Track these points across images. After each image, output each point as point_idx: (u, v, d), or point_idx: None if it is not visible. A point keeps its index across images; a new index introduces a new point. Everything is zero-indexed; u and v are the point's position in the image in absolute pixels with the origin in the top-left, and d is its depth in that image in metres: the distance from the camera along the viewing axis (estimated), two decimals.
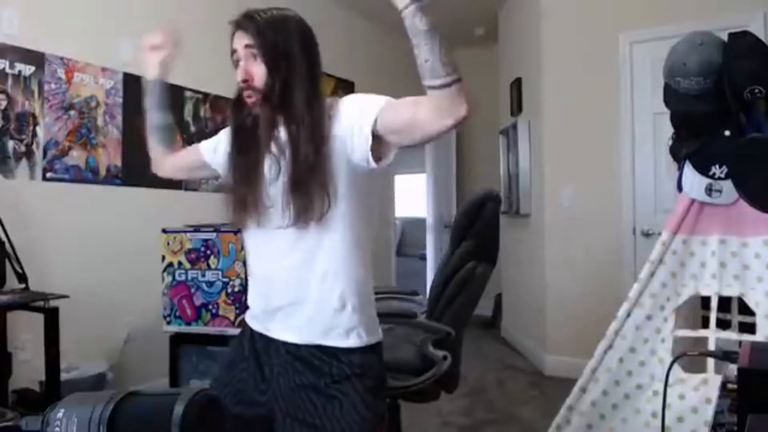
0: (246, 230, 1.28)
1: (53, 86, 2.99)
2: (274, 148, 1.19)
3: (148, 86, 1.57)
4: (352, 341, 1.19)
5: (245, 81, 1.19)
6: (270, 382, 1.24)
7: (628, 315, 2.23)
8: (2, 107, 2.78)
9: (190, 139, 3.74)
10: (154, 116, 1.55)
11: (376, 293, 2.27)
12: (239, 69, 1.20)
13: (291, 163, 1.16)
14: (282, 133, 1.19)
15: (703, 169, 2.15)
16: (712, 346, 2.07)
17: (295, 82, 1.18)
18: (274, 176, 1.20)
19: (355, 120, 1.13)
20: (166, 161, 1.55)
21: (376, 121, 1.09)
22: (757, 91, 1.96)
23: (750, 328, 2.08)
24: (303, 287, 1.21)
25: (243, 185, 1.24)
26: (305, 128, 1.15)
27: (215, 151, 1.43)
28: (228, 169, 1.29)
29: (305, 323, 1.21)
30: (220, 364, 1.44)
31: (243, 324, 1.39)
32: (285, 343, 1.23)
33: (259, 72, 1.18)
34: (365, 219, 1.23)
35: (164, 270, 2.69)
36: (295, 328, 1.22)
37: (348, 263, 1.19)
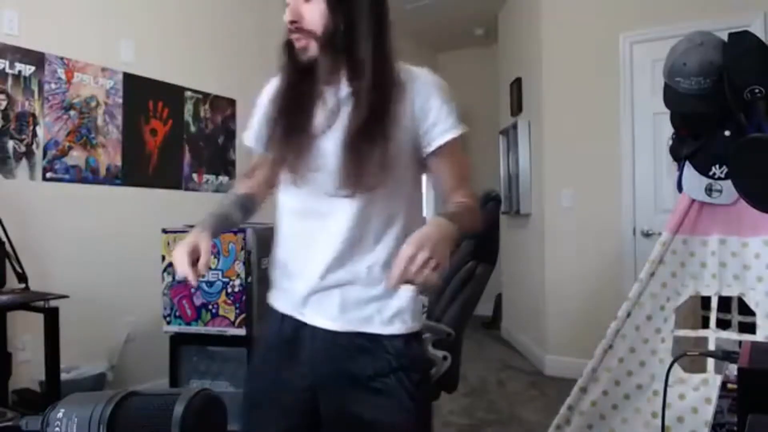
0: (285, 195, 1.15)
1: (53, 86, 2.99)
2: (330, 101, 1.07)
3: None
4: (395, 327, 1.10)
5: (293, 22, 1.05)
6: (308, 371, 1.13)
7: (628, 315, 2.23)
8: (2, 107, 2.78)
9: (190, 139, 3.75)
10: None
11: None
12: (288, 8, 1.06)
13: (351, 120, 1.04)
14: (343, 84, 1.07)
15: (703, 169, 2.15)
16: (712, 346, 2.07)
17: (361, 24, 1.03)
18: (326, 134, 1.06)
19: (439, 104, 1.09)
20: (257, 194, 1.32)
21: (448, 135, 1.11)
22: (757, 91, 1.96)
23: (750, 328, 2.08)
24: (346, 266, 1.10)
25: (286, 144, 1.09)
26: (371, 81, 1.03)
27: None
28: (268, 125, 1.13)
29: (348, 307, 1.11)
30: (255, 353, 1.32)
31: (267, 307, 1.23)
32: (321, 330, 1.11)
33: (313, 11, 1.04)
34: (417, 204, 1.17)
35: (164, 270, 2.69)
36: (333, 313, 1.11)
37: (399, 242, 1.02)
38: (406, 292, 1.09)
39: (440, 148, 1.10)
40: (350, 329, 1.10)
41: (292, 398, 1.14)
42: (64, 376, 2.57)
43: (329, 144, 1.06)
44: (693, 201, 2.18)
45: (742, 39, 2.05)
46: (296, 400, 1.14)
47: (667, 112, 2.30)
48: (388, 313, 1.10)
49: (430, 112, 1.09)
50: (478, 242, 2.07)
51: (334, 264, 1.10)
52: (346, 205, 1.06)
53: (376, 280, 1.09)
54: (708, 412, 1.89)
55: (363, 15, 1.04)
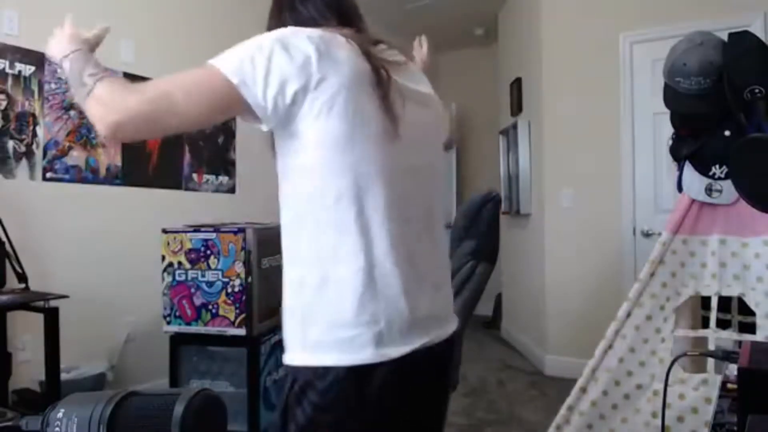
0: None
1: (53, 86, 2.99)
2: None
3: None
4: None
5: None
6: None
7: (628, 315, 2.24)
8: (2, 107, 2.78)
9: (190, 139, 3.74)
10: None
11: None
12: None
13: None
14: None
15: (703, 169, 2.15)
16: (712, 346, 2.07)
17: None
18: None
19: None
20: None
21: None
22: (757, 91, 1.96)
23: (750, 328, 2.08)
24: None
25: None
26: None
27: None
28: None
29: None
30: None
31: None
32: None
33: None
34: None
35: (164, 270, 2.69)
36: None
37: None
38: None
39: None
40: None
41: None
42: (64, 376, 2.57)
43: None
44: (693, 201, 2.18)
45: (742, 39, 2.05)
46: None
47: (667, 112, 2.29)
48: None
49: None
50: (478, 242, 2.07)
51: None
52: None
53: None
54: (708, 412, 1.89)
55: None
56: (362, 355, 0.90)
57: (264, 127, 0.96)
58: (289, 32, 0.94)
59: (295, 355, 0.96)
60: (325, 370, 0.90)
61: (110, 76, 0.98)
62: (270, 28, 1.02)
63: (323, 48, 0.91)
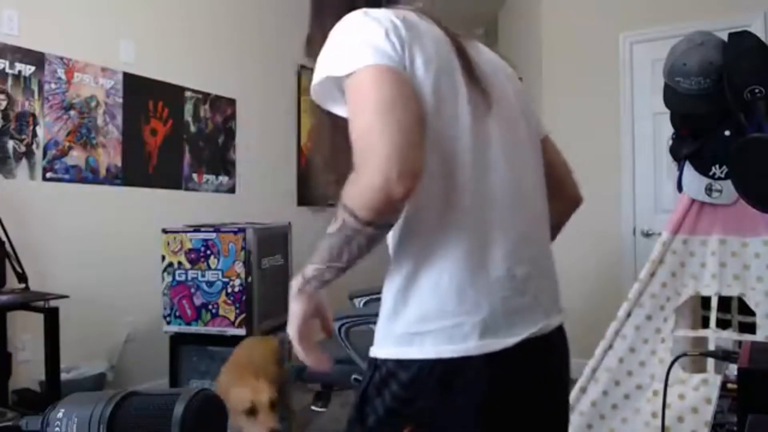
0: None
1: (53, 86, 2.99)
2: None
3: None
4: None
5: None
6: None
7: (628, 315, 2.23)
8: (2, 107, 2.78)
9: (190, 139, 3.75)
10: None
11: (375, 293, 2.27)
12: None
13: None
14: None
15: (703, 169, 2.15)
16: (712, 346, 2.07)
17: None
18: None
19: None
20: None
21: None
22: (757, 91, 1.96)
23: (750, 328, 2.08)
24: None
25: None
26: None
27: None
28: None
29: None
30: None
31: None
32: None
33: None
34: None
35: (164, 270, 2.69)
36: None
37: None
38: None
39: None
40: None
41: None
42: (64, 376, 2.57)
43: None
44: (693, 201, 2.18)
45: (742, 39, 2.05)
46: None
47: (667, 112, 2.30)
48: None
49: None
50: None
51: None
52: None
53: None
54: (708, 412, 1.89)
55: None
56: (463, 345, 0.83)
57: None
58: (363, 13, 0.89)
59: (381, 348, 0.89)
60: (410, 362, 0.84)
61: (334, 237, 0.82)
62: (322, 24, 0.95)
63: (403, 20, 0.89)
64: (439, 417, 0.84)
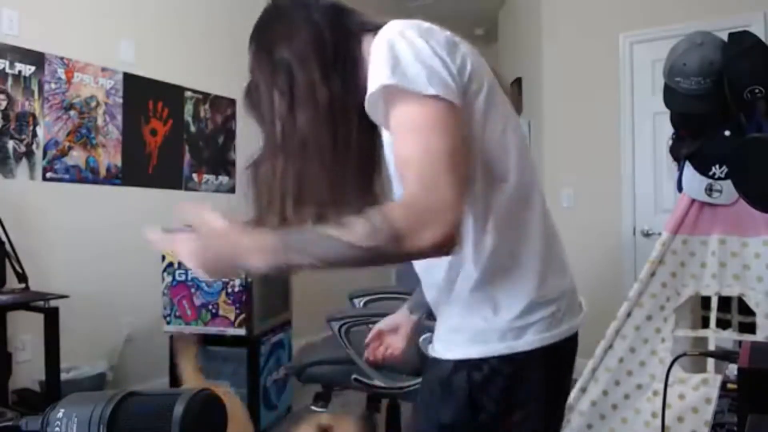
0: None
1: (53, 86, 2.98)
2: None
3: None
4: None
5: None
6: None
7: (628, 315, 2.24)
8: (2, 107, 2.78)
9: (190, 139, 3.75)
10: None
11: (375, 293, 2.27)
12: None
13: None
14: None
15: (703, 169, 2.15)
16: (712, 346, 2.07)
17: None
18: None
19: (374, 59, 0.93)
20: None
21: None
22: (757, 91, 1.96)
23: (750, 328, 2.08)
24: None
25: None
26: None
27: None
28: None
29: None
30: None
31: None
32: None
33: None
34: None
35: (164, 270, 2.69)
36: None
37: None
38: None
39: (371, 108, 0.86)
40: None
41: None
42: (64, 376, 2.57)
43: None
44: (693, 201, 2.18)
45: (742, 39, 2.05)
46: None
47: (667, 112, 2.30)
48: None
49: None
50: None
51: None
52: None
53: None
54: (708, 412, 1.89)
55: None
56: (557, 330, 0.90)
57: None
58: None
59: (475, 346, 0.89)
60: (516, 355, 0.88)
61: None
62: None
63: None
64: (536, 398, 0.92)
